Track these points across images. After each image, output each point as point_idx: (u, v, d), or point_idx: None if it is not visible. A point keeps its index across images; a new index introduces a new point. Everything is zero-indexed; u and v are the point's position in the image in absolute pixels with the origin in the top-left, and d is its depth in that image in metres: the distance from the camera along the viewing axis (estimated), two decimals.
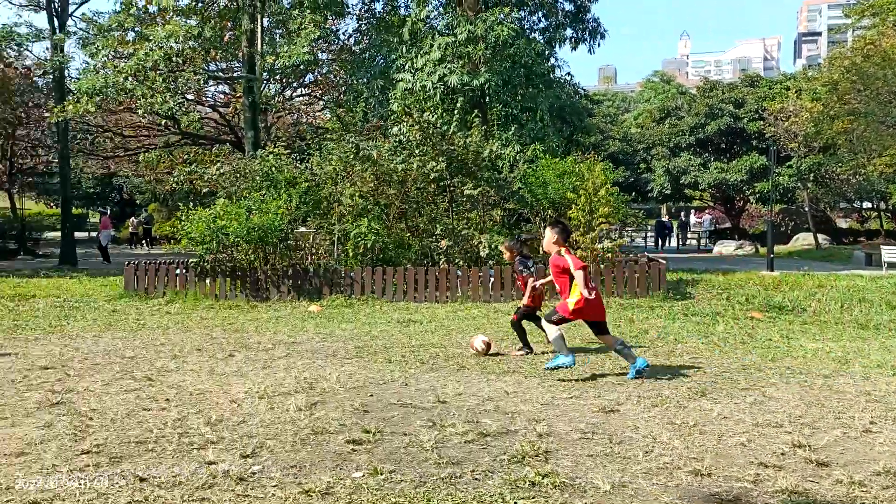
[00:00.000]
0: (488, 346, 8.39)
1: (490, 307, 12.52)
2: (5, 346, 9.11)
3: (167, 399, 6.41)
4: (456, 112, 17.82)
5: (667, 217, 38.34)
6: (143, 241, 35.05)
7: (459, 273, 13.45)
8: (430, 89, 17.93)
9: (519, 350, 8.51)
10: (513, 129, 17.90)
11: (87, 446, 5.09)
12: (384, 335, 9.87)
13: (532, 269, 8.71)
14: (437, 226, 14.56)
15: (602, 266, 13.45)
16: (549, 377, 7.19)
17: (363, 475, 4.56)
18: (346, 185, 14.69)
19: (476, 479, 4.51)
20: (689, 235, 36.06)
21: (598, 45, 21.67)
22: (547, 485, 4.40)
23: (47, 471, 4.62)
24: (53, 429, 5.52)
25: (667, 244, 33.12)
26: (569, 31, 21.54)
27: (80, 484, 4.40)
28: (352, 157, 14.84)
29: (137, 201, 43.13)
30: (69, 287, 15.99)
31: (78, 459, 4.83)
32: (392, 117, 18.02)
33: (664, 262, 14.14)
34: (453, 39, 18.03)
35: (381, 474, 4.56)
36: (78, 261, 24.31)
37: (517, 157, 16.18)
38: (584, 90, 26.06)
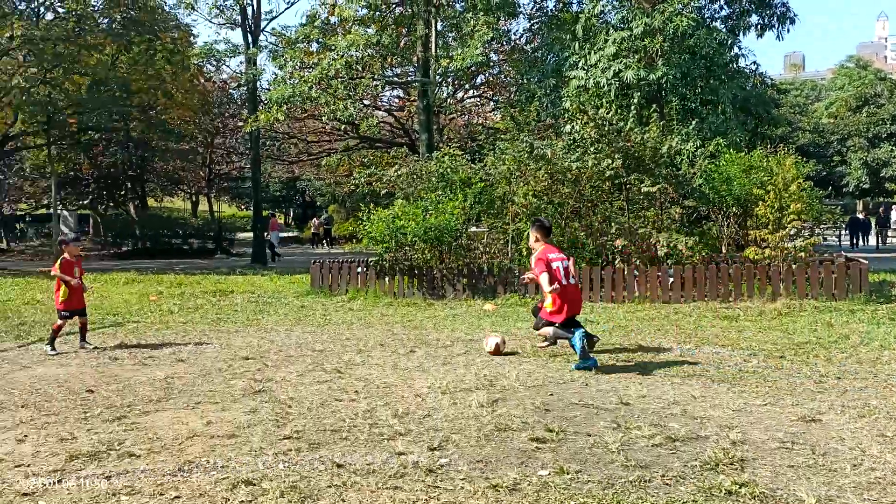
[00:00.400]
0: (498, 348, 8.35)
1: (670, 308, 12.07)
2: (211, 337, 9.93)
3: (356, 391, 6.71)
4: (632, 108, 17.37)
5: (863, 214, 35.34)
6: (324, 241, 37.00)
7: (637, 273, 13.09)
8: (604, 85, 17.59)
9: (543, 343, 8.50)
10: (693, 123, 17.18)
11: (288, 432, 5.43)
12: None
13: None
14: (612, 224, 14.25)
15: (794, 266, 12.59)
16: (740, 382, 6.82)
17: (549, 473, 4.54)
18: (520, 185, 14.71)
19: (667, 484, 4.36)
20: (889, 233, 33.04)
21: (787, 30, 20.35)
22: (745, 495, 4.17)
23: (255, 453, 4.98)
24: (258, 414, 5.93)
25: (864, 242, 30.55)
26: (754, 18, 20.39)
27: (284, 466, 4.69)
28: (525, 156, 14.85)
29: (318, 203, 45.63)
30: (261, 284, 17.18)
31: (281, 444, 5.16)
32: (565, 115, 17.85)
33: (865, 262, 13.02)
34: (629, 33, 17.59)
35: (567, 473, 4.51)
36: (267, 260, 26.05)
37: (697, 153, 15.52)
38: (771, 79, 24.52)
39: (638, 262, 13.43)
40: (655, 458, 4.77)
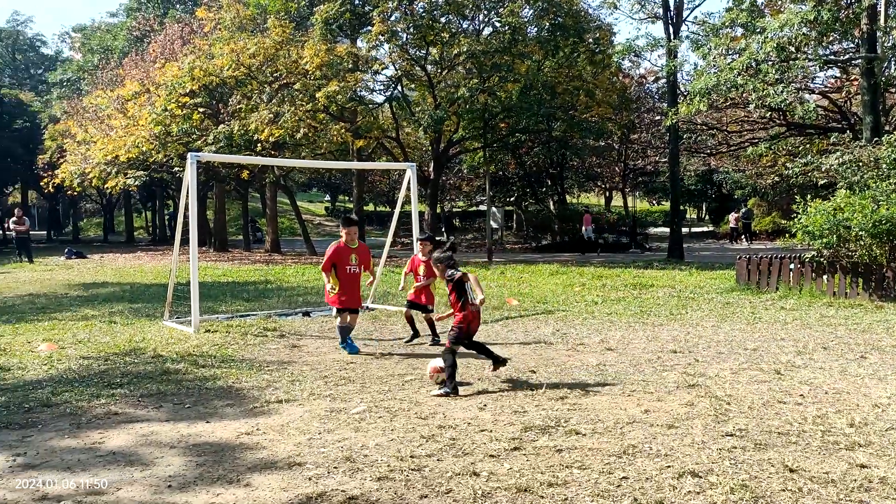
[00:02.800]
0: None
1: None
2: (636, 329, 10.09)
3: (801, 394, 6.24)
4: None
5: None
6: (743, 236, 35.15)
7: None
8: None
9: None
10: None
11: (730, 429, 5.27)
12: None
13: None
14: None
15: None
16: None
17: None
18: None
19: None
20: None
21: None
22: None
23: (698, 445, 4.92)
24: (695, 408, 5.86)
25: None
26: None
27: (731, 463, 4.56)
28: None
29: (735, 196, 43.46)
30: (681, 279, 16.94)
31: (723, 440, 5.03)
32: None
33: None
34: None
35: None
36: (684, 254, 25.61)
37: None
38: None
39: None
40: None
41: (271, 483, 4.38)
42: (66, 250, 30.99)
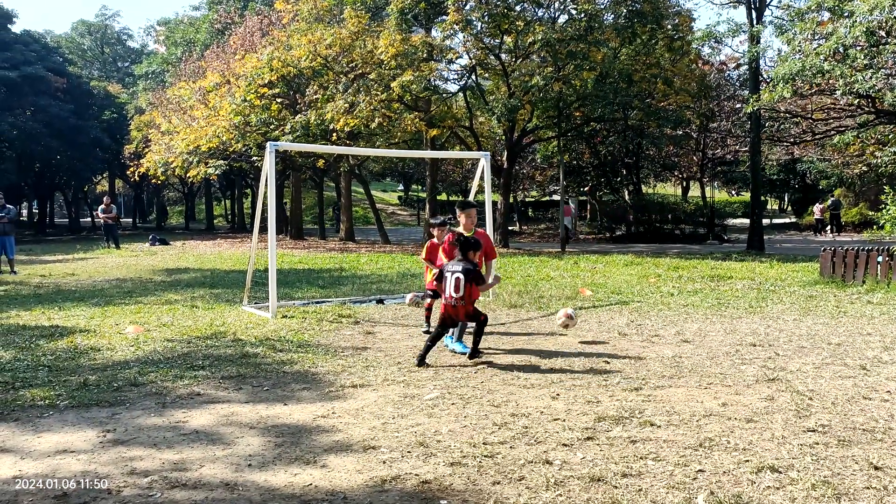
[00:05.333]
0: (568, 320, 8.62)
1: None
2: (713, 321, 9.87)
3: (888, 391, 6.02)
4: None
5: None
6: (830, 227, 33.87)
7: None
8: None
9: None
10: None
11: (811, 424, 5.12)
12: None
13: None
14: None
15: None
16: None
17: None
18: None
19: None
20: None
21: None
22: None
23: (777, 440, 4.81)
24: (776, 402, 5.71)
25: None
26: None
27: (812, 459, 4.44)
28: None
29: (820, 186, 41.88)
30: (761, 271, 16.47)
31: (805, 436, 4.90)
32: None
33: None
34: None
35: None
36: (765, 246, 24.87)
37: None
38: None
39: None
40: None
41: (346, 465, 4.49)
42: (151, 237, 32.25)
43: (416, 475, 4.29)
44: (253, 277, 12.14)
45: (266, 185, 10.97)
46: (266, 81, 24.84)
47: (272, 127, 25.43)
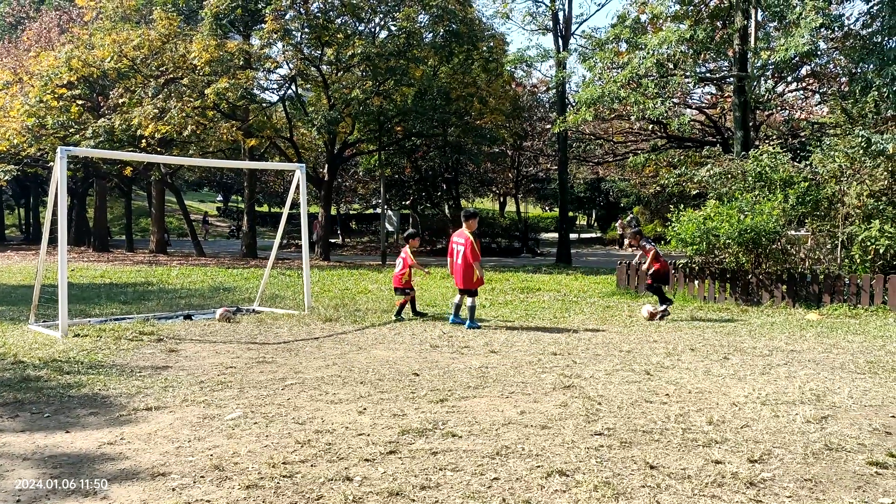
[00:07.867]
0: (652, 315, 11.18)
1: None
2: (520, 332, 10.30)
3: (667, 394, 6.53)
4: None
5: None
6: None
7: None
8: None
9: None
10: None
11: (598, 428, 5.45)
12: None
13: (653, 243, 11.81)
14: None
15: None
16: None
17: (893, 502, 4.03)
18: (853, 184, 13.24)
19: None
20: None
21: None
22: None
23: (568, 445, 5.07)
24: (568, 408, 6.03)
25: None
26: None
27: (597, 462, 4.72)
28: (861, 152, 13.33)
29: (622, 204, 45.15)
30: (566, 283, 17.44)
31: (591, 439, 5.20)
32: None
33: None
34: None
35: None
36: (572, 259, 26.39)
37: None
38: None
39: None
40: None
41: (131, 495, 4.20)
42: None
43: (208, 501, 4.10)
44: (43, 293, 11.16)
45: (57, 192, 10.13)
46: (65, 82, 23.07)
47: (72, 131, 23.63)
